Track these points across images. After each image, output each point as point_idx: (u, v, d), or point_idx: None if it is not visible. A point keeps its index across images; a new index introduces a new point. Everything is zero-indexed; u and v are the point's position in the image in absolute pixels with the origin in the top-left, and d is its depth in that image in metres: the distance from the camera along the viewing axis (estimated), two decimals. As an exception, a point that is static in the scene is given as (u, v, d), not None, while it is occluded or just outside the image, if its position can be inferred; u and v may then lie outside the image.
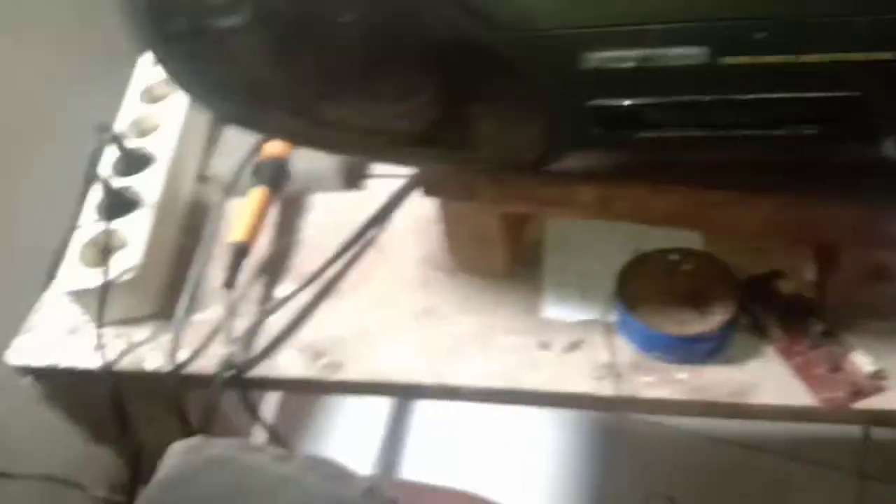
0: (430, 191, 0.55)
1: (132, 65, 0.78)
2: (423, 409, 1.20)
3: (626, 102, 0.39)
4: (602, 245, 0.60)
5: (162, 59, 0.49)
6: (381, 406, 1.20)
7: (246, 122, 0.51)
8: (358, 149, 0.51)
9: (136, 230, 0.62)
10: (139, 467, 0.67)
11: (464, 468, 1.12)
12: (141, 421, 0.64)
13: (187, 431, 0.61)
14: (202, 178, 0.73)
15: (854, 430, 1.07)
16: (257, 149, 0.68)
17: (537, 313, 0.57)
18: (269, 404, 1.08)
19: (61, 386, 0.65)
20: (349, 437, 1.15)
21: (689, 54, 0.37)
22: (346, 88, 0.45)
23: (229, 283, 0.60)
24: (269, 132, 0.54)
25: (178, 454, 0.49)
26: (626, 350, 0.54)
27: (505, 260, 0.58)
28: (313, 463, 0.47)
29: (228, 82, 0.48)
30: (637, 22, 0.36)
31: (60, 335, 0.64)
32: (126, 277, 0.60)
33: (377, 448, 1.16)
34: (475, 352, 0.56)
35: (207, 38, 0.46)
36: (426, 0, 0.38)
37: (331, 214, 0.68)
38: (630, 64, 0.38)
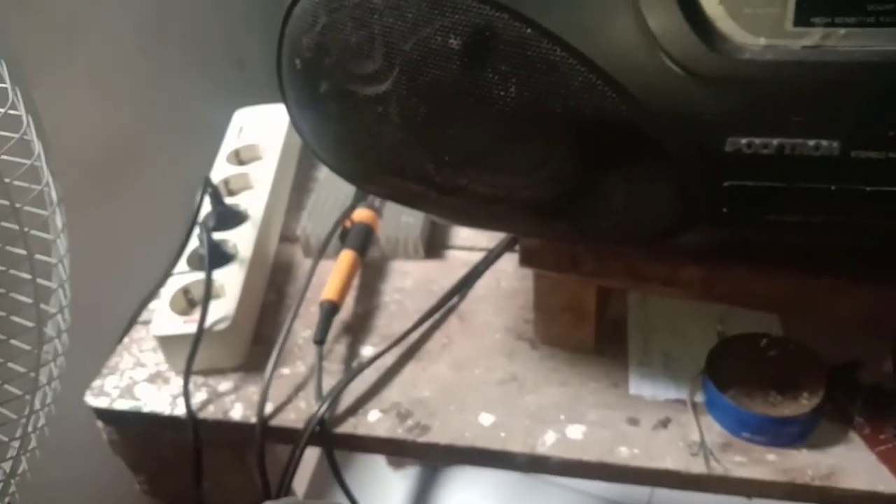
0: (527, 261, 0.57)
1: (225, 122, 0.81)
2: (449, 482, 1.20)
3: (759, 185, 0.42)
4: (683, 325, 0.62)
5: (300, 120, 0.52)
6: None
7: (368, 183, 0.54)
8: (475, 217, 0.53)
9: (230, 282, 0.64)
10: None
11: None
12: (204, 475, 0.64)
13: (265, 487, 0.61)
14: (284, 238, 0.75)
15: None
16: (346, 215, 0.70)
17: (623, 389, 0.59)
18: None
19: (133, 432, 0.65)
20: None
21: (822, 145, 0.40)
22: (479, 159, 0.48)
23: (320, 340, 0.62)
24: (389, 195, 0.56)
25: None
26: (714, 430, 0.55)
27: (594, 334, 0.60)
28: None
29: (359, 146, 0.51)
30: (781, 113, 0.40)
31: (140, 380, 0.64)
32: (220, 327, 0.61)
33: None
34: (564, 424, 0.57)
35: (349, 104, 0.49)
36: (580, 80, 0.42)
37: (412, 281, 0.70)
38: (768, 151, 0.41)
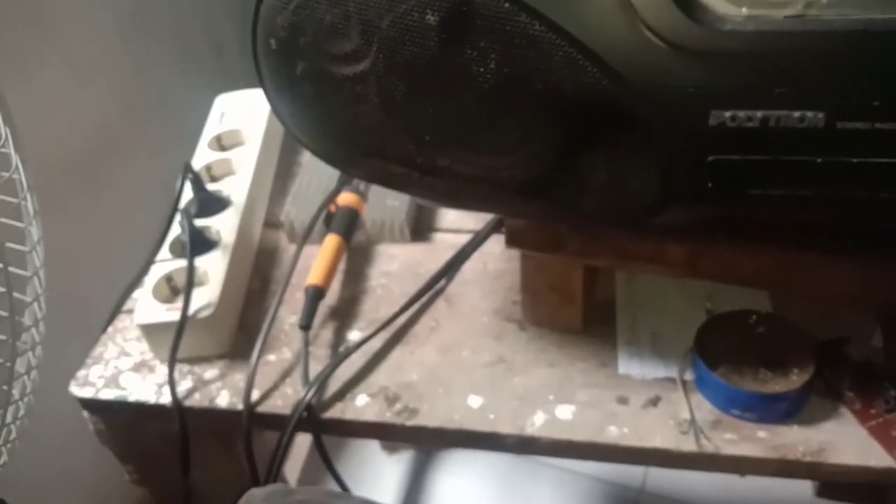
0: (513, 242, 0.57)
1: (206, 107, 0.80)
2: (442, 465, 1.20)
3: (744, 159, 0.41)
4: (671, 304, 0.62)
5: (278, 102, 0.51)
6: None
7: (349, 166, 0.53)
8: (459, 198, 0.52)
9: (213, 269, 0.63)
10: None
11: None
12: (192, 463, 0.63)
13: (253, 474, 0.60)
14: (268, 224, 0.74)
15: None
16: (331, 199, 0.70)
17: (612, 369, 0.58)
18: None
19: (119, 422, 0.65)
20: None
21: (807, 117, 0.40)
22: (460, 138, 0.47)
23: (306, 325, 0.61)
24: (371, 178, 0.55)
25: (259, 500, 0.48)
26: (704, 408, 0.55)
27: (581, 314, 0.59)
28: None
29: (339, 128, 0.50)
30: (765, 84, 0.39)
31: (125, 370, 0.64)
32: (204, 314, 0.60)
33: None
34: (553, 404, 0.56)
35: (327, 84, 0.48)
36: (560, 55, 0.41)
37: (398, 264, 0.69)
38: (752, 123, 0.40)
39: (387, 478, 1.20)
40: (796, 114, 0.40)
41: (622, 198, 0.46)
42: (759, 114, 0.40)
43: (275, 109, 0.53)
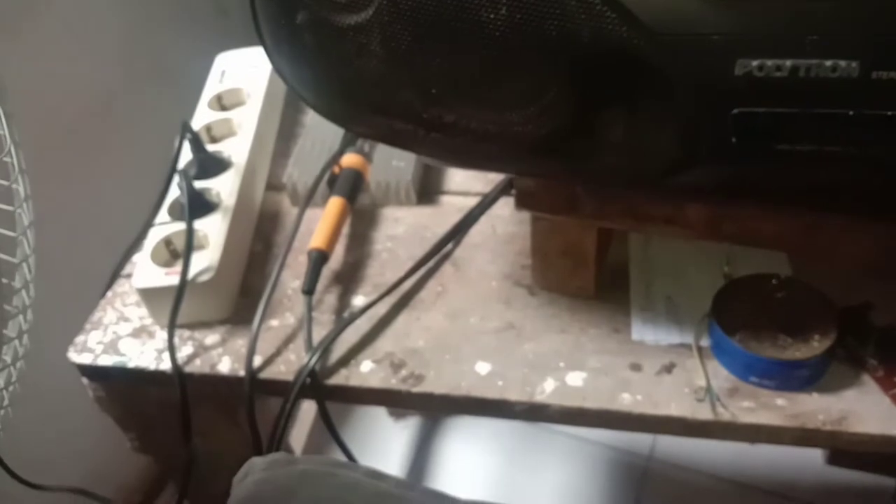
0: (523, 203, 0.54)
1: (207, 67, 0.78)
2: (449, 432, 1.19)
3: (771, 112, 0.39)
4: (687, 268, 0.59)
5: (277, 56, 0.49)
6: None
7: (353, 123, 0.51)
8: (468, 156, 0.50)
9: (213, 232, 0.61)
10: (190, 478, 0.65)
11: (486, 497, 1.11)
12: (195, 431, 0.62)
13: (256, 441, 0.59)
14: (271, 186, 0.72)
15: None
16: (334, 160, 0.67)
17: (625, 335, 0.56)
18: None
19: (119, 389, 0.63)
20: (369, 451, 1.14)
21: (840, 66, 0.37)
22: (468, 92, 0.45)
23: (309, 290, 0.59)
24: (376, 136, 0.53)
25: (260, 470, 0.46)
26: (720, 375, 0.53)
27: (594, 279, 0.57)
28: (405, 483, 0.45)
29: (341, 82, 0.48)
30: (795, 31, 0.36)
31: (124, 335, 0.62)
32: (204, 278, 0.58)
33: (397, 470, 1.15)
34: (563, 371, 0.55)
35: (328, 35, 0.45)
36: (578, 0, 0.38)
37: (404, 228, 0.67)
38: (781, 73, 0.38)
39: (393, 444, 1.20)
40: (828, 62, 0.37)
41: (641, 156, 0.44)
42: (788, 63, 0.37)
43: (274, 64, 0.50)
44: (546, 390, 0.54)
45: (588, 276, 0.57)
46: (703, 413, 0.51)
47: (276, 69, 0.50)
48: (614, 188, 0.50)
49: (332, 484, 0.43)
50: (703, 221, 0.49)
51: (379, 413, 1.22)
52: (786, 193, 0.46)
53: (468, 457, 1.17)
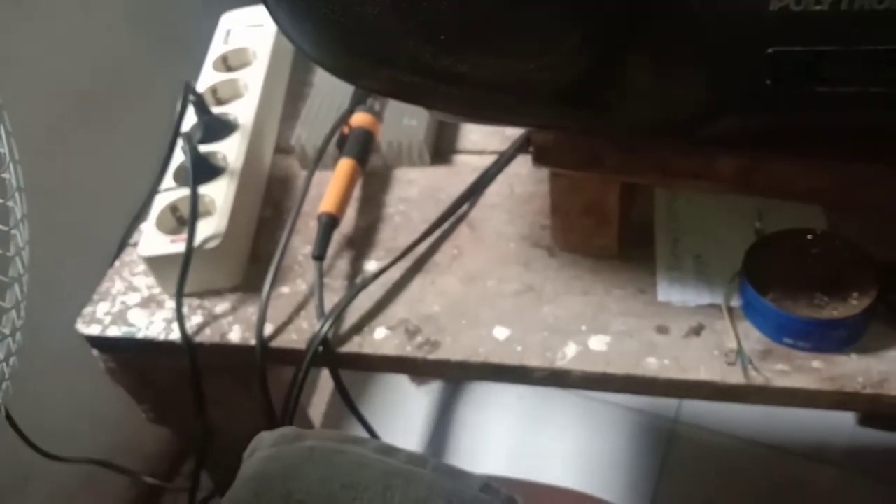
0: (542, 159, 0.52)
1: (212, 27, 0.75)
2: (472, 396, 1.18)
3: (810, 50, 0.36)
4: (715, 224, 0.56)
5: (276, 7, 0.46)
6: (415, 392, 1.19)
7: (360, 77, 0.48)
8: (483, 109, 0.47)
9: (220, 197, 0.59)
10: (207, 449, 0.63)
11: (510, 462, 1.10)
12: (208, 402, 0.61)
13: (269, 412, 0.57)
14: (280, 149, 0.70)
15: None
16: (343, 120, 0.65)
17: (651, 296, 0.54)
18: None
19: (130, 360, 0.62)
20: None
21: (887, -3, 0.34)
22: (480, 38, 0.42)
23: (320, 255, 0.57)
24: (385, 90, 0.50)
25: (268, 445, 0.45)
26: (752, 336, 0.50)
27: (617, 238, 0.54)
28: (416, 457, 0.43)
29: (346, 33, 0.45)
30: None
31: (132, 305, 0.60)
32: (210, 245, 0.56)
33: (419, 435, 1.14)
34: (586, 335, 0.52)
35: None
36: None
37: (417, 189, 0.64)
38: (821, 6, 0.34)
39: (415, 409, 1.19)
40: (874, -8, 0.34)
41: (668, 104, 0.41)
42: (830, -7, 0.34)
43: (275, 17, 0.47)
44: (567, 355, 0.51)
45: (611, 234, 0.54)
46: (735, 377, 0.49)
47: (277, 22, 0.47)
48: (639, 140, 0.47)
49: (340, 461, 0.41)
50: (734, 174, 0.46)
51: (400, 378, 1.20)
52: (825, 142, 0.42)
53: (491, 420, 1.16)
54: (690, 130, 0.41)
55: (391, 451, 0.43)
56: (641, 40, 0.38)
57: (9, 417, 0.52)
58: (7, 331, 0.41)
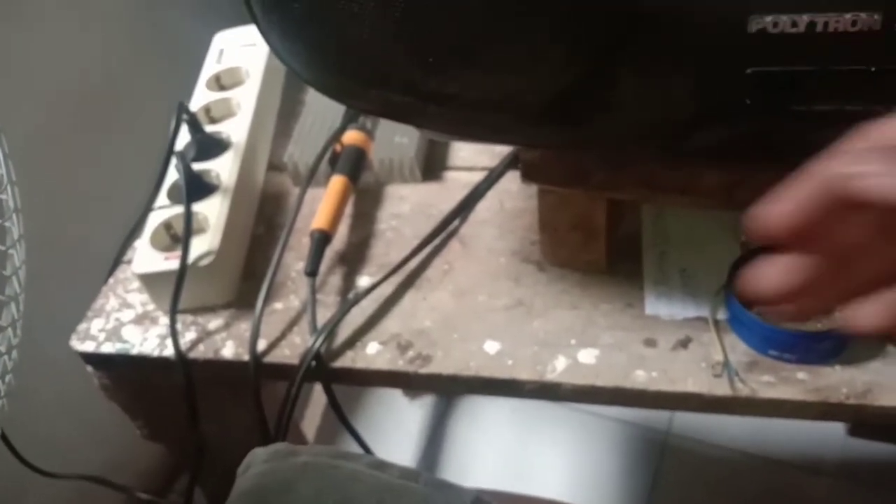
0: (530, 176, 0.52)
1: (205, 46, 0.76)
2: (465, 410, 1.18)
3: (787, 70, 0.37)
4: (701, 239, 0.57)
5: (267, 28, 0.47)
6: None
7: (350, 98, 0.49)
8: (472, 128, 0.48)
9: (213, 214, 0.59)
10: (201, 464, 0.64)
11: (503, 475, 1.11)
12: (201, 418, 0.61)
13: (262, 427, 0.58)
14: (272, 167, 0.71)
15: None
16: (335, 138, 0.66)
17: (638, 310, 0.55)
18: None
19: (124, 376, 0.63)
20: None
21: (861, 19, 0.35)
22: (469, 57, 0.43)
23: (312, 271, 0.58)
24: (375, 110, 0.51)
25: (262, 461, 0.45)
26: (739, 349, 0.51)
27: (605, 253, 0.55)
28: (408, 472, 0.44)
29: (335, 54, 0.46)
30: (813, -18, 0.34)
31: (126, 322, 0.61)
32: (204, 262, 0.57)
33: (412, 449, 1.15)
34: (575, 348, 0.53)
35: (318, 1, 0.44)
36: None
37: (409, 206, 0.65)
38: (797, 29, 0.35)
39: (408, 423, 1.19)
40: (848, 16, 0.35)
41: (652, 119, 0.42)
42: (805, 17, 0.35)
43: (266, 38, 0.48)
44: (557, 368, 0.52)
45: (599, 249, 0.55)
46: (722, 389, 0.49)
47: (267, 41, 0.48)
48: (625, 157, 0.48)
49: (334, 476, 0.42)
50: (719, 189, 0.47)
51: (394, 392, 1.21)
52: (807, 156, 0.43)
53: (484, 434, 1.17)
54: (673, 143, 0.42)
55: (384, 466, 0.44)
56: (624, 59, 0.39)
57: (3, 437, 0.52)
58: (3, 349, 0.41)
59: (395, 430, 1.17)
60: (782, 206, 0.28)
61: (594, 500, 1.08)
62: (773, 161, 0.44)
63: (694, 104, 0.39)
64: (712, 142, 0.42)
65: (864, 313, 0.28)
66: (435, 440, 1.17)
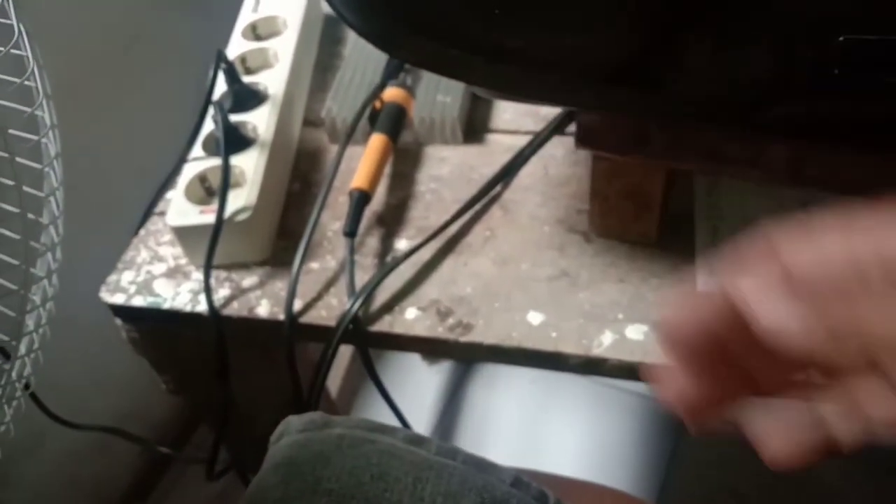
0: (586, 141, 0.50)
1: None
2: (483, 377, 1.17)
3: (884, 39, 0.34)
4: (757, 213, 0.55)
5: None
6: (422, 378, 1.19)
7: (398, 47, 0.46)
8: (530, 88, 0.46)
9: (250, 168, 0.58)
10: (228, 421, 0.63)
11: (519, 444, 1.10)
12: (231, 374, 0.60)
13: (296, 389, 0.57)
14: (308, 122, 0.68)
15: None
16: (375, 95, 0.63)
17: (689, 286, 0.53)
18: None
19: (153, 330, 0.61)
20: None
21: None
22: (539, 11, 0.40)
23: (351, 232, 0.56)
24: (424, 63, 0.49)
25: (296, 431, 0.44)
26: (793, 330, 0.49)
27: (658, 225, 0.53)
28: (446, 449, 0.42)
29: (395, 7, 0.44)
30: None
31: (158, 275, 0.59)
32: (241, 217, 0.55)
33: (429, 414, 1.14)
34: (622, 323, 0.51)
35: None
36: None
37: (449, 168, 0.63)
38: (903, -7, 0.33)
39: (427, 388, 1.18)
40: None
41: (727, 86, 0.39)
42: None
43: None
44: (604, 343, 0.51)
45: (652, 221, 0.53)
46: (775, 371, 0.48)
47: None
48: (692, 124, 0.45)
49: (370, 451, 0.40)
50: (786, 164, 0.45)
51: (412, 356, 1.20)
52: (875, 137, 0.41)
53: (501, 402, 1.16)
54: (748, 114, 0.40)
55: (421, 441, 0.42)
56: (702, 21, 0.37)
57: (27, 387, 0.51)
58: (38, 299, 0.40)
59: (413, 395, 1.16)
60: (686, 313, 0.27)
61: (611, 472, 1.07)
62: (849, 138, 0.42)
63: (777, 72, 0.37)
64: (791, 115, 0.40)
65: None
66: (452, 406, 1.17)
